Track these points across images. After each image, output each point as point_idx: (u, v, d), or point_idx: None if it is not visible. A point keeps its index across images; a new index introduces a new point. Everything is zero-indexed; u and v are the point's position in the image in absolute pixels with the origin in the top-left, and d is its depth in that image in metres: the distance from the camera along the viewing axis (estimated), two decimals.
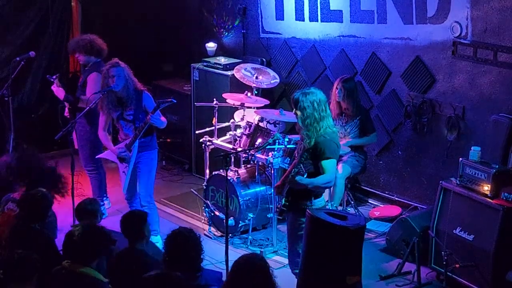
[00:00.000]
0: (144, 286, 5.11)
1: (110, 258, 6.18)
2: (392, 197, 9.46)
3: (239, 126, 8.99)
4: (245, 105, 9.11)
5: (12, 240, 6.08)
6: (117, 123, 8.26)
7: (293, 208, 6.89)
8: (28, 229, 6.26)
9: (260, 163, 8.76)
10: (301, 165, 6.62)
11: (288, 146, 8.35)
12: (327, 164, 6.67)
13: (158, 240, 8.02)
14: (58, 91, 8.95)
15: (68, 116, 9.11)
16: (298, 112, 6.80)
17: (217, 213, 8.76)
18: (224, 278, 6.03)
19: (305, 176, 6.65)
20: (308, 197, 6.81)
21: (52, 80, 8.92)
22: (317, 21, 9.83)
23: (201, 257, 5.70)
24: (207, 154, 9.08)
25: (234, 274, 5.14)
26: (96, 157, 8.72)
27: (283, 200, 6.90)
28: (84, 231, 5.52)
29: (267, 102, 9.26)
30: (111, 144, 8.31)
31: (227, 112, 9.53)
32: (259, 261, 5.21)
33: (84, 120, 8.87)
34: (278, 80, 9.75)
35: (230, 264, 7.08)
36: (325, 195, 8.42)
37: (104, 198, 9.33)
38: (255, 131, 8.72)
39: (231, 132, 8.96)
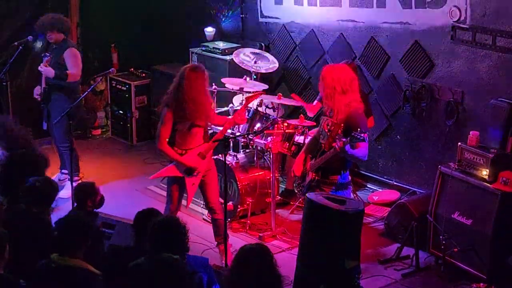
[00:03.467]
0: (138, 271, 5.12)
1: (108, 249, 6.19)
2: (391, 181, 9.47)
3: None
4: (244, 90, 9.11)
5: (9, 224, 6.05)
6: (187, 132, 7.46)
7: (323, 182, 7.02)
8: (27, 213, 6.24)
9: (259, 148, 8.78)
10: (350, 137, 6.61)
11: (286, 130, 8.36)
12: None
13: None
14: (47, 70, 9.02)
15: (39, 99, 9.21)
16: (320, 81, 6.93)
17: None
18: (210, 263, 6.04)
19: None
20: (339, 172, 6.97)
21: (46, 58, 8.98)
22: (316, 5, 9.81)
23: (186, 244, 5.68)
24: None
25: (238, 264, 5.13)
26: (151, 177, 8.09)
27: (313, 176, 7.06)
28: (65, 223, 5.45)
29: (266, 86, 9.26)
30: (178, 155, 7.48)
31: (226, 97, 9.53)
32: (263, 251, 5.21)
33: (65, 96, 9.04)
34: (276, 65, 9.73)
35: (228, 248, 7.20)
36: None
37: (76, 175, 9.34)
38: (254, 115, 8.72)
39: (230, 117, 8.95)
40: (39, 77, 9.29)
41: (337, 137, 6.80)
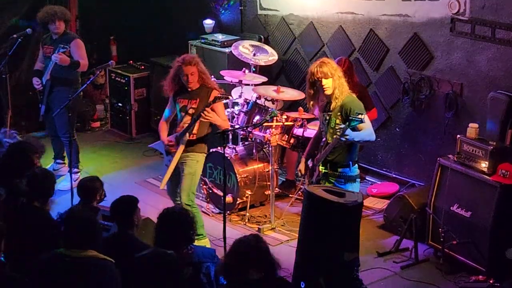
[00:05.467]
0: (137, 265, 5.11)
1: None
2: (390, 174, 9.47)
3: (236, 103, 8.99)
4: (242, 82, 9.10)
5: (9, 217, 6.05)
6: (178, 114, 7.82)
7: (331, 175, 6.99)
8: (28, 206, 6.24)
9: (257, 140, 8.78)
10: (348, 121, 6.66)
11: (285, 123, 8.36)
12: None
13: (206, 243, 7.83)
14: (64, 58, 9.05)
15: (40, 88, 9.27)
16: (329, 81, 6.87)
17: (215, 190, 8.77)
18: (217, 254, 6.05)
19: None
20: (347, 164, 6.96)
21: (63, 50, 9.05)
22: None
23: (193, 235, 5.71)
24: None
25: (233, 251, 5.15)
26: (149, 146, 8.45)
27: (321, 169, 7.02)
28: (83, 217, 5.40)
29: (265, 79, 9.25)
30: (164, 134, 7.78)
31: (225, 89, 9.51)
32: (258, 239, 5.22)
33: (66, 88, 9.06)
34: (276, 57, 9.73)
35: (228, 241, 7.21)
36: None
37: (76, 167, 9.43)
38: (253, 108, 8.72)
39: (229, 109, 8.96)
40: (39, 68, 9.31)
41: (337, 127, 6.83)
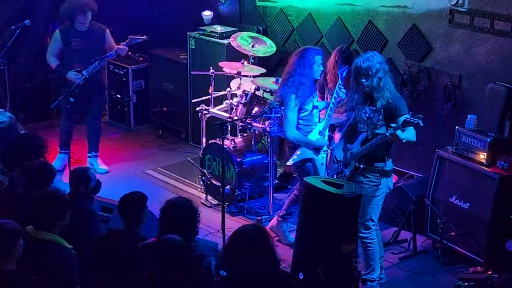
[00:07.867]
0: (143, 252, 5.14)
1: (102, 235, 6.21)
2: None
3: (235, 95, 8.99)
4: (241, 74, 9.10)
5: (10, 207, 6.07)
6: (309, 113, 7.76)
7: (368, 170, 6.86)
8: (27, 197, 6.25)
9: (256, 132, 8.78)
10: (403, 122, 6.49)
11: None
12: None
13: None
14: (125, 48, 9.38)
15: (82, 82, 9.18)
16: (370, 78, 6.71)
17: (213, 181, 8.78)
18: (220, 248, 6.05)
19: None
20: (383, 159, 6.84)
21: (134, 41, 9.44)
22: None
23: (196, 228, 5.71)
24: (204, 123, 9.09)
25: (234, 242, 5.15)
26: (287, 163, 8.04)
27: (354, 163, 6.90)
28: (41, 197, 5.61)
29: (263, 70, 9.25)
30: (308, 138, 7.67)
31: (224, 81, 9.52)
32: (260, 230, 5.23)
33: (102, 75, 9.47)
34: (274, 49, 9.72)
35: (227, 232, 7.22)
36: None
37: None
38: (252, 99, 8.72)
39: (227, 101, 8.97)
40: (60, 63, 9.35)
41: (378, 123, 6.72)
